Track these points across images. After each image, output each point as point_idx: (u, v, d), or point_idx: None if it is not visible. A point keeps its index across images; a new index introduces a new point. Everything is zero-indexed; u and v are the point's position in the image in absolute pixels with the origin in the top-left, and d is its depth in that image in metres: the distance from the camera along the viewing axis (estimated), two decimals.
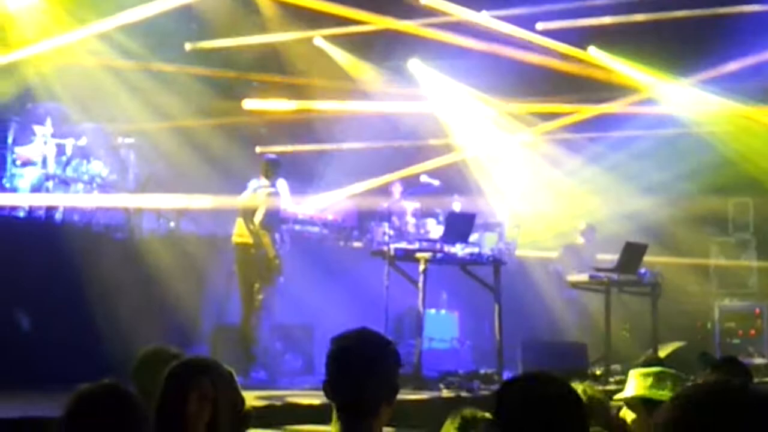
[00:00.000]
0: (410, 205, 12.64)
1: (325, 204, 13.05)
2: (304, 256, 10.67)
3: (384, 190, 13.36)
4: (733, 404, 1.73)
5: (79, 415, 2.87)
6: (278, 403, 7.95)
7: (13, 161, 10.62)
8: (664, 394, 4.24)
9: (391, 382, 3.14)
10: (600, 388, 7.89)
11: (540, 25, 14.03)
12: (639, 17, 13.26)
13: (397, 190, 13.08)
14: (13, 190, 10.51)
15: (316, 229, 12.22)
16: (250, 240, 9.68)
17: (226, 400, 3.24)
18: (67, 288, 8.95)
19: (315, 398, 7.45)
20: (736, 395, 1.75)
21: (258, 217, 9.61)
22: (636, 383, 4.48)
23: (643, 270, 11.38)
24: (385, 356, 3.16)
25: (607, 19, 13.56)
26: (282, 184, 11.57)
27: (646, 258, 11.46)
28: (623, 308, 12.14)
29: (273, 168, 10.05)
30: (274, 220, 9.79)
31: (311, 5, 13.48)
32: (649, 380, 4.50)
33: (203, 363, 3.34)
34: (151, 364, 4.21)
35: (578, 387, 4.19)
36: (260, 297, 9.65)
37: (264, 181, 9.93)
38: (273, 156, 10.40)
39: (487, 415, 3.86)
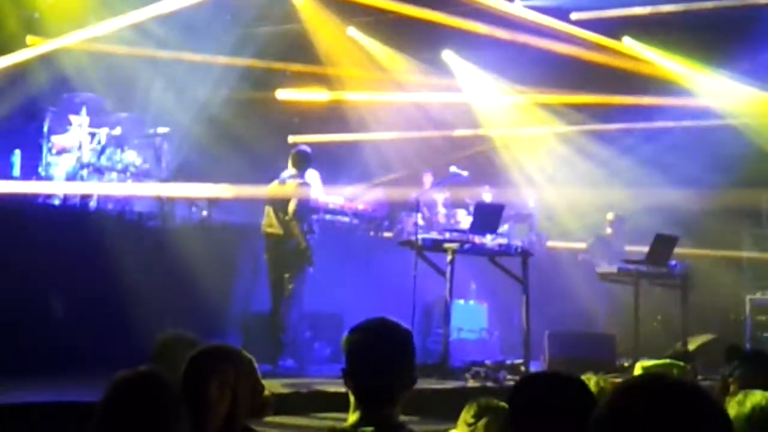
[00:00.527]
0: (440, 196, 12.67)
1: (355, 194, 13.11)
2: (334, 245, 10.74)
3: (415, 180, 13.40)
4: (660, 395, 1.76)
5: (117, 401, 2.94)
6: (304, 390, 8.03)
7: (49, 150, 10.79)
8: None
9: (408, 371, 3.16)
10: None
11: (574, 15, 13.97)
12: (673, 7, 13.15)
13: (428, 180, 13.10)
14: (49, 178, 10.69)
15: (346, 219, 12.27)
16: (279, 230, 9.76)
17: (246, 388, 3.31)
18: (100, 275, 9.07)
19: (342, 386, 7.49)
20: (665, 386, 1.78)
21: (291, 208, 9.68)
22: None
23: (673, 262, 11.32)
24: (403, 345, 3.18)
25: (641, 9, 13.48)
26: (313, 174, 11.65)
27: (677, 250, 11.40)
28: (653, 300, 12.09)
29: (303, 160, 10.09)
30: (303, 210, 9.84)
31: None
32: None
33: (224, 350, 3.41)
34: (169, 350, 4.31)
35: (591, 380, 4.26)
36: (290, 286, 9.73)
37: (293, 171, 9.99)
38: (303, 148, 10.41)
39: (503, 404, 3.92)
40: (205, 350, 3.42)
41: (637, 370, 4.80)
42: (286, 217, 9.71)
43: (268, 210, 9.89)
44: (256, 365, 3.42)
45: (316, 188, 11.56)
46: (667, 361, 4.97)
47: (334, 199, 12.26)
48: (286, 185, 9.89)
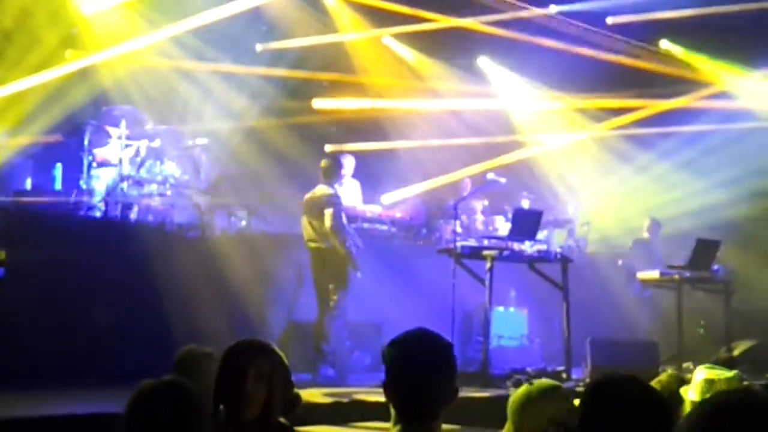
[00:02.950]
0: (479, 203, 12.65)
1: (393, 202, 13.12)
2: (372, 254, 10.73)
3: (454, 188, 13.39)
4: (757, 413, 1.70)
5: (140, 410, 2.98)
6: (345, 400, 8.04)
7: (90, 163, 10.90)
8: None
9: (449, 384, 3.11)
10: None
11: (610, 20, 13.90)
12: (711, 9, 13.05)
13: (467, 186, 13.10)
14: (90, 191, 10.80)
15: (384, 227, 12.26)
16: (321, 243, 9.78)
17: (280, 380, 3.39)
18: (141, 285, 9.15)
19: (382, 395, 7.48)
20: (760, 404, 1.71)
21: (327, 222, 9.68)
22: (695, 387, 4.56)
23: (716, 267, 11.22)
24: (444, 359, 3.11)
25: (678, 12, 13.38)
26: (353, 183, 11.68)
27: (720, 254, 11.29)
28: (696, 305, 11.98)
29: (330, 169, 10.07)
30: (339, 221, 9.83)
31: (380, 5, 13.58)
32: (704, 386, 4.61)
33: (260, 343, 3.49)
34: (188, 362, 4.41)
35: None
36: (334, 297, 9.75)
37: (324, 182, 9.98)
38: (329, 157, 10.40)
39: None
40: (243, 342, 3.51)
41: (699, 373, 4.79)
42: (324, 230, 9.73)
43: (305, 223, 9.91)
44: (286, 361, 3.47)
45: (355, 197, 11.59)
46: (732, 373, 4.92)
47: (372, 208, 12.27)
48: (319, 197, 9.87)
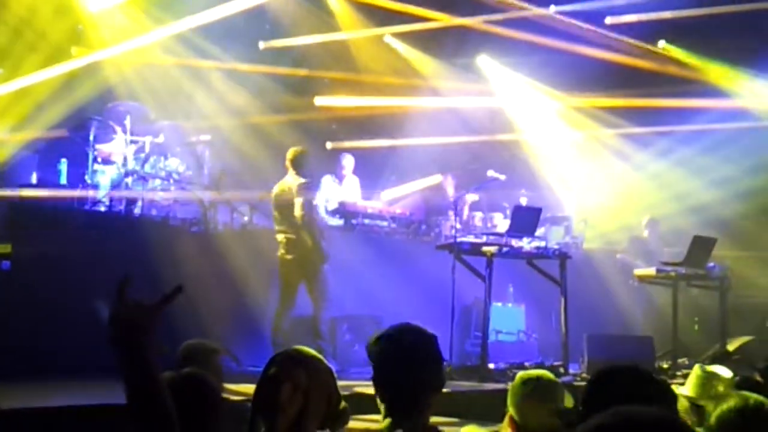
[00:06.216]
0: (470, 198, 12.71)
1: (393, 198, 13.25)
2: (373, 249, 10.85)
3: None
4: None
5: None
6: (346, 392, 8.11)
7: (95, 158, 11.02)
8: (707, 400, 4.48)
9: (434, 375, 3.23)
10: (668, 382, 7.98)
11: (609, 20, 14.03)
12: (710, 10, 13.17)
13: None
14: (95, 185, 10.92)
15: (384, 223, 12.38)
16: (291, 235, 9.62)
17: (318, 393, 3.33)
18: (144, 279, 9.11)
19: None
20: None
21: (298, 213, 9.48)
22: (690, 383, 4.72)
23: (711, 264, 11.35)
24: (427, 352, 3.25)
25: (676, 13, 13.51)
26: (353, 180, 11.79)
27: (715, 252, 11.43)
28: (691, 302, 12.13)
29: (295, 161, 9.79)
30: (308, 210, 9.61)
31: (381, 4, 13.72)
32: (698, 381, 4.78)
33: (301, 355, 3.50)
34: (193, 356, 4.51)
35: None
36: (315, 288, 9.57)
37: (292, 173, 9.74)
38: (293, 149, 9.98)
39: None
40: (284, 353, 3.49)
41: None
42: (294, 221, 9.55)
43: (275, 215, 9.78)
44: (335, 375, 3.44)
45: (352, 194, 11.67)
46: (729, 376, 5.10)
47: (373, 204, 12.40)
48: (288, 188, 9.69)
